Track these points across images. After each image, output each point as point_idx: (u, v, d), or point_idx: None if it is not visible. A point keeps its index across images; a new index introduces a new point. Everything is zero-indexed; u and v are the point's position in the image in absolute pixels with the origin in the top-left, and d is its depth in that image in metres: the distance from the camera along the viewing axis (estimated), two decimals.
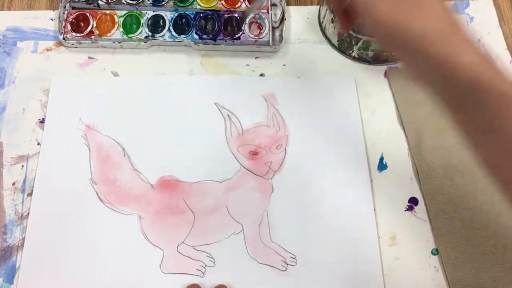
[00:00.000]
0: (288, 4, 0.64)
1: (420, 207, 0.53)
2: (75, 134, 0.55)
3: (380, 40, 0.37)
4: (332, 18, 0.59)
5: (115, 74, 0.59)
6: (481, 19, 0.64)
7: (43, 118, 0.56)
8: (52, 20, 0.62)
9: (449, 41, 0.34)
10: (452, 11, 0.35)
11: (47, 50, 0.60)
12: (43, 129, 0.55)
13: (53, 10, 0.63)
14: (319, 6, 0.64)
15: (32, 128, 0.56)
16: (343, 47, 0.61)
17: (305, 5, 0.65)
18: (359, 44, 0.58)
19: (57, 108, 0.56)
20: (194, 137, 0.55)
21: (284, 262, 0.50)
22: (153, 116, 0.56)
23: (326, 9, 0.59)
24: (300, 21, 0.64)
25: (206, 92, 0.58)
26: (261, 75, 0.60)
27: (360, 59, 0.60)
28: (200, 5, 0.61)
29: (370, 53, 0.59)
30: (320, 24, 0.63)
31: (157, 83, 0.58)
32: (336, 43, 0.61)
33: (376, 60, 0.60)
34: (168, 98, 0.57)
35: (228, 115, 0.56)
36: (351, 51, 0.60)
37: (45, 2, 0.64)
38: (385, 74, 0.60)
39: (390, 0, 0.35)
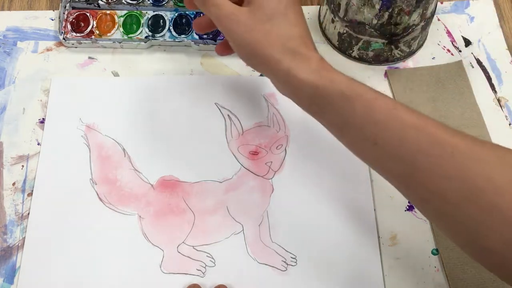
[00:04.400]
0: None
1: None
2: (75, 134, 0.55)
3: (244, 59, 0.44)
4: (332, 18, 0.59)
5: (115, 74, 0.59)
6: (481, 19, 0.64)
7: (43, 118, 0.56)
8: (52, 20, 0.62)
9: (289, 59, 0.40)
10: (295, 32, 0.41)
11: (47, 50, 0.60)
12: (43, 129, 0.55)
13: (53, 10, 0.63)
14: (319, 6, 0.64)
15: (32, 128, 0.56)
16: (343, 47, 0.61)
17: (305, 5, 0.65)
18: (359, 44, 0.58)
19: (57, 108, 0.56)
20: (194, 137, 0.55)
21: (284, 262, 0.50)
22: (153, 116, 0.56)
23: (326, 9, 0.60)
24: None
25: (206, 92, 0.58)
26: (261, 75, 0.59)
27: (360, 59, 0.60)
28: None
29: (370, 53, 0.59)
30: (320, 24, 0.63)
31: (157, 83, 0.58)
32: (336, 43, 0.61)
33: (376, 60, 0.60)
34: (168, 98, 0.57)
35: (228, 115, 0.56)
36: (351, 51, 0.60)
37: (45, 2, 0.64)
38: (385, 74, 0.60)
39: (242, 28, 0.41)
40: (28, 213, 0.51)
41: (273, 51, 0.41)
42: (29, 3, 0.64)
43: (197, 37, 0.60)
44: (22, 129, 0.55)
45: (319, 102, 0.40)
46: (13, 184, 0.53)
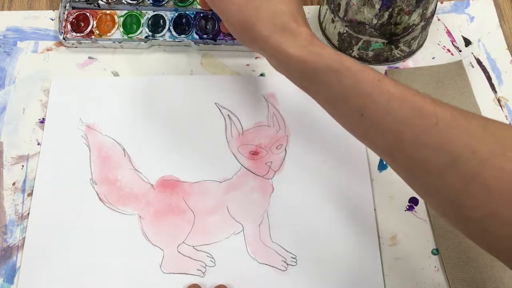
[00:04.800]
0: None
1: (420, 207, 0.53)
2: (75, 134, 0.55)
3: (238, 38, 0.45)
4: (332, 18, 0.59)
5: (115, 74, 0.59)
6: (481, 19, 0.64)
7: (43, 118, 0.56)
8: (52, 20, 0.62)
9: (278, 35, 0.41)
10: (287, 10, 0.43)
11: (47, 50, 0.60)
12: (43, 129, 0.55)
13: (53, 10, 0.63)
14: (319, 6, 0.64)
15: (32, 128, 0.56)
16: (343, 47, 0.61)
17: (305, 5, 0.65)
18: (359, 44, 0.58)
19: (57, 108, 0.56)
20: (194, 137, 0.55)
21: (285, 262, 0.50)
22: (153, 116, 0.56)
23: (326, 9, 0.60)
24: None
25: (206, 92, 0.58)
26: (261, 75, 0.60)
27: (360, 59, 0.60)
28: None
29: (370, 53, 0.59)
30: (320, 24, 0.63)
31: (157, 83, 0.58)
32: (336, 43, 0.61)
33: (376, 60, 0.60)
34: (168, 98, 0.57)
35: (228, 115, 0.56)
36: (351, 51, 0.60)
37: (45, 2, 0.64)
38: (385, 74, 0.60)
39: (235, 6, 0.43)
40: (28, 213, 0.51)
41: (262, 27, 0.42)
42: (29, 3, 0.64)
43: (197, 37, 0.60)
44: (22, 129, 0.55)
45: (308, 77, 0.41)
46: (13, 184, 0.53)
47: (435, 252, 0.51)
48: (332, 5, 0.58)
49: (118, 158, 0.54)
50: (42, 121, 0.56)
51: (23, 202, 0.52)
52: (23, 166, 0.54)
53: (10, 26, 0.61)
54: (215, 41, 0.59)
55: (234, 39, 0.59)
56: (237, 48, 0.60)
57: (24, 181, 0.53)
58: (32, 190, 0.52)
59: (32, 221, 0.51)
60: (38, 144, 0.55)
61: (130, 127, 0.56)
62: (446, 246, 0.50)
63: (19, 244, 0.50)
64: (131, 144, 0.55)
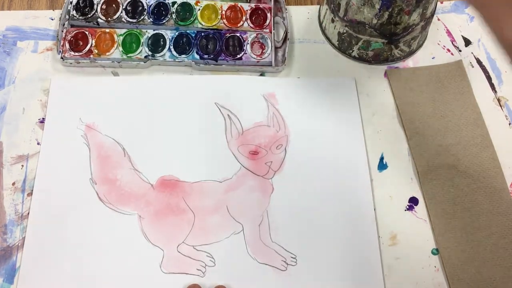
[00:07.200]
0: (288, 3, 0.64)
1: (420, 207, 0.53)
2: (75, 134, 0.55)
3: None
4: (332, 18, 0.59)
5: (115, 74, 0.59)
6: (481, 19, 0.64)
7: (43, 118, 0.56)
8: (52, 19, 0.62)
9: None
10: None
11: (47, 50, 0.60)
12: (43, 129, 0.55)
13: (53, 10, 0.63)
14: (319, 6, 0.64)
15: (32, 128, 0.56)
16: (343, 47, 0.61)
17: (305, 5, 0.65)
18: (359, 44, 0.58)
19: (57, 108, 0.56)
20: (194, 137, 0.55)
21: (284, 262, 0.50)
22: (153, 115, 0.56)
23: (326, 9, 0.60)
24: (300, 21, 0.64)
25: (206, 92, 0.58)
26: (261, 75, 0.60)
27: (360, 59, 0.60)
28: (202, 24, 0.60)
29: (370, 53, 0.59)
30: (320, 24, 0.63)
31: (157, 83, 0.58)
32: (336, 43, 0.61)
33: (376, 60, 0.60)
34: (168, 98, 0.57)
35: (228, 115, 0.56)
36: (351, 51, 0.60)
37: (45, 2, 0.64)
38: (385, 74, 0.60)
39: None
40: (28, 213, 0.51)
41: None
42: (29, 3, 0.64)
43: (197, 57, 0.59)
44: (22, 129, 0.55)
45: None
46: (13, 184, 0.53)
47: (435, 252, 0.51)
48: (332, 5, 0.58)
49: (118, 158, 0.54)
50: (42, 121, 0.56)
51: (23, 202, 0.52)
52: (22, 166, 0.54)
53: (10, 26, 0.61)
54: (216, 61, 0.59)
55: (235, 59, 0.58)
56: (239, 68, 0.60)
57: (24, 181, 0.53)
58: (32, 190, 0.52)
59: (32, 221, 0.51)
60: (38, 144, 0.55)
61: (130, 127, 0.56)
62: (446, 246, 0.50)
63: (19, 244, 0.50)
64: (131, 144, 0.55)
